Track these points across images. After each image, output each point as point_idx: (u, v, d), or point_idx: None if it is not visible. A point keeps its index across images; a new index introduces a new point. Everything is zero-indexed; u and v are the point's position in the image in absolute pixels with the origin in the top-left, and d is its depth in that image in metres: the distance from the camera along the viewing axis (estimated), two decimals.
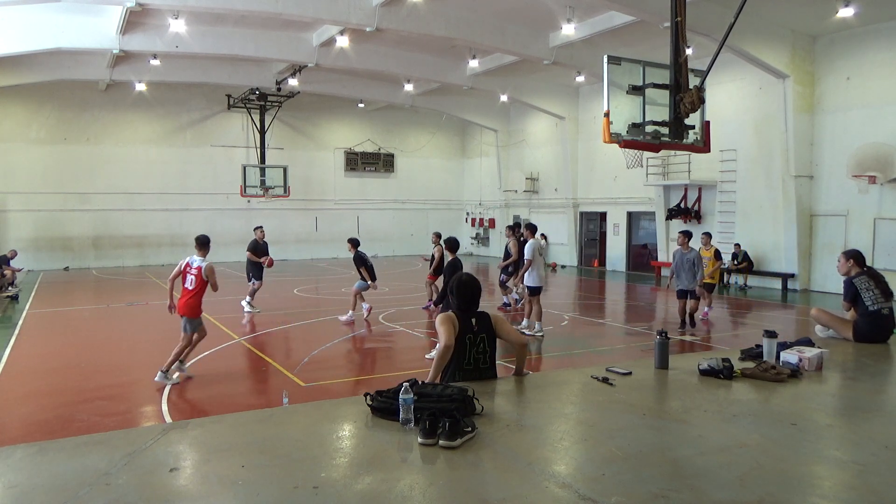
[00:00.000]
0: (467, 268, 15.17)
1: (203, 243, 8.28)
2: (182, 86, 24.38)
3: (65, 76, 20.25)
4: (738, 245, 18.53)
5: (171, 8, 14.89)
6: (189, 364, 8.53)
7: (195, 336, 8.25)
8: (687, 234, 11.47)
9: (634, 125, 8.00)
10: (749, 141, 18.50)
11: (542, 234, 26.56)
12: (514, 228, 13.78)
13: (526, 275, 11.16)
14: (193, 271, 8.12)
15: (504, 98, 23.81)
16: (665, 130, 8.12)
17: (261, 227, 14.32)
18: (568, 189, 25.08)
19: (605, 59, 7.94)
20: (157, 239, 25.59)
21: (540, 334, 11.00)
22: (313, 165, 28.24)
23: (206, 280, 8.06)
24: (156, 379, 7.99)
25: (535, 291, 11.11)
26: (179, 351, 8.13)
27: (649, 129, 8.06)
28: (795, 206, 16.97)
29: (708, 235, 13.54)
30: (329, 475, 2.71)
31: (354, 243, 12.69)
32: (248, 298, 13.72)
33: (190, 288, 8.11)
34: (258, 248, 13.77)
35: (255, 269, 13.64)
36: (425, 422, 3.03)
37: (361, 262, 12.42)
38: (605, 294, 17.70)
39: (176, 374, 8.17)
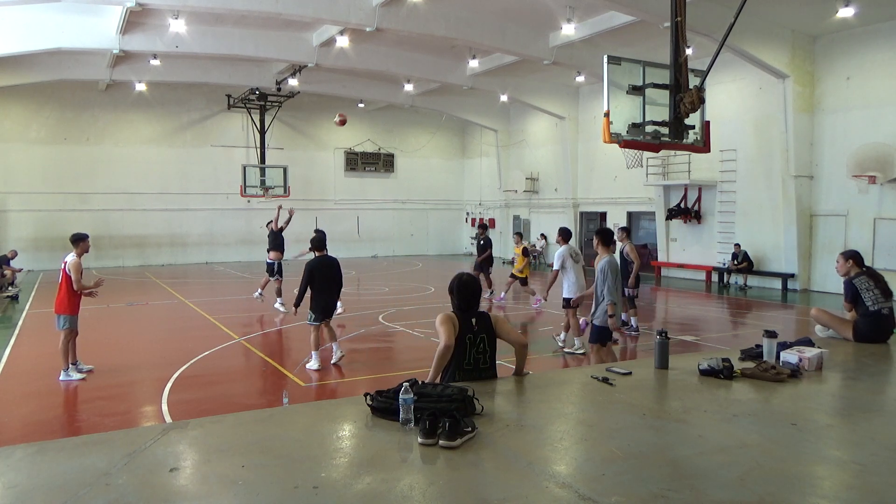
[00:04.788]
0: (466, 268, 15.12)
1: (74, 240, 8.42)
2: (182, 86, 24.37)
3: (65, 76, 20.24)
4: (737, 245, 18.52)
5: (171, 8, 14.89)
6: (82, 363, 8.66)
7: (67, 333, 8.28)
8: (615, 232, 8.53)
9: (634, 125, 8.00)
10: (749, 141, 18.49)
11: (542, 234, 26.69)
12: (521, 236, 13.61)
13: (564, 285, 9.91)
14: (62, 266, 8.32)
15: (504, 98, 23.80)
16: (665, 130, 8.11)
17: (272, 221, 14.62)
18: (568, 189, 25.08)
19: (605, 59, 7.94)
20: (157, 239, 25.60)
21: (580, 352, 9.63)
22: (313, 165, 28.24)
23: (69, 274, 8.17)
24: (60, 379, 8.17)
25: (569, 303, 9.91)
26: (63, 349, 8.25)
27: (649, 129, 8.05)
28: (795, 206, 16.96)
29: (519, 235, 15.04)
30: (329, 475, 2.71)
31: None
32: (279, 299, 13.59)
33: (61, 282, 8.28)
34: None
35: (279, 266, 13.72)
36: (425, 422, 3.03)
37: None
38: None
39: (76, 374, 8.32)
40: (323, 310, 8.71)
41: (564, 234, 10.09)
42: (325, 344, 9.06)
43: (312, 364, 8.76)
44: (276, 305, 13.49)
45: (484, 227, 15.84)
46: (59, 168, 23.76)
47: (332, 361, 8.93)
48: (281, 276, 13.71)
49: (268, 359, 9.67)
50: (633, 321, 11.31)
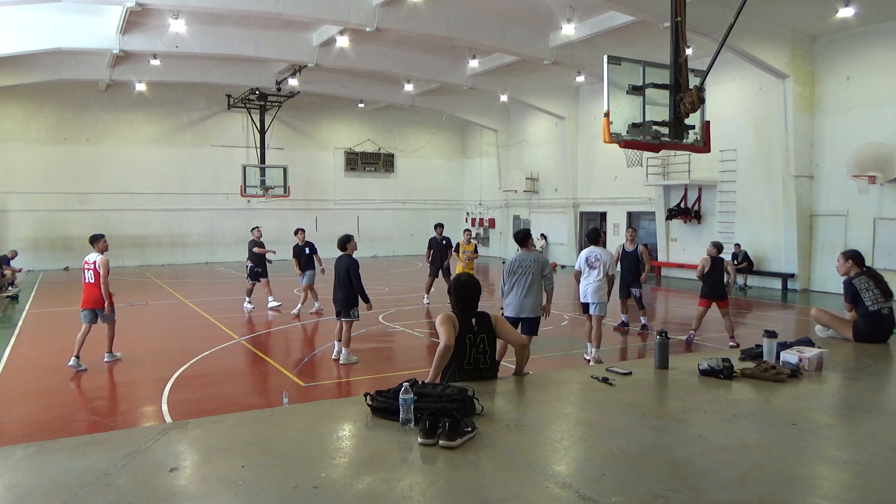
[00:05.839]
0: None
1: (93, 240, 8.98)
2: (182, 86, 24.37)
3: (65, 76, 20.23)
4: (738, 245, 18.51)
5: (171, 8, 14.89)
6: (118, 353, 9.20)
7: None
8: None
9: (634, 125, 7.99)
10: (749, 141, 18.49)
11: (542, 234, 26.67)
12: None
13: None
14: (90, 266, 8.82)
15: (504, 98, 23.80)
16: (665, 130, 8.10)
17: (258, 227, 15.27)
18: (568, 189, 25.08)
19: (605, 59, 7.93)
20: (157, 239, 25.60)
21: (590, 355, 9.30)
22: (313, 165, 28.23)
23: (99, 271, 8.75)
24: (73, 366, 8.68)
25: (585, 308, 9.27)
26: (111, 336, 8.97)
27: (649, 129, 8.05)
28: (795, 206, 16.96)
29: (469, 232, 14.98)
30: (329, 475, 2.71)
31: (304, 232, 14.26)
32: (270, 298, 14.32)
33: (91, 282, 8.81)
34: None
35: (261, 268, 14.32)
36: (425, 422, 3.03)
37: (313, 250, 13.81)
38: None
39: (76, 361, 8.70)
40: (335, 304, 9.27)
41: (591, 236, 9.39)
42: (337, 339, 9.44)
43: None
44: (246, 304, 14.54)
45: (441, 225, 15.21)
46: (59, 168, 23.75)
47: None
48: (257, 280, 14.60)
49: (268, 359, 9.67)
50: (642, 319, 11.86)
